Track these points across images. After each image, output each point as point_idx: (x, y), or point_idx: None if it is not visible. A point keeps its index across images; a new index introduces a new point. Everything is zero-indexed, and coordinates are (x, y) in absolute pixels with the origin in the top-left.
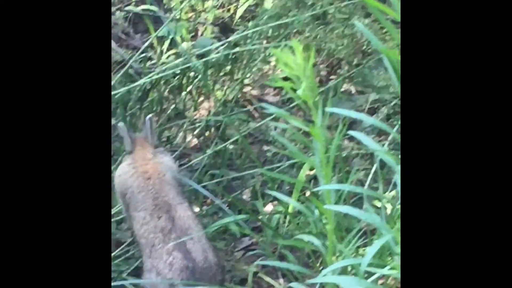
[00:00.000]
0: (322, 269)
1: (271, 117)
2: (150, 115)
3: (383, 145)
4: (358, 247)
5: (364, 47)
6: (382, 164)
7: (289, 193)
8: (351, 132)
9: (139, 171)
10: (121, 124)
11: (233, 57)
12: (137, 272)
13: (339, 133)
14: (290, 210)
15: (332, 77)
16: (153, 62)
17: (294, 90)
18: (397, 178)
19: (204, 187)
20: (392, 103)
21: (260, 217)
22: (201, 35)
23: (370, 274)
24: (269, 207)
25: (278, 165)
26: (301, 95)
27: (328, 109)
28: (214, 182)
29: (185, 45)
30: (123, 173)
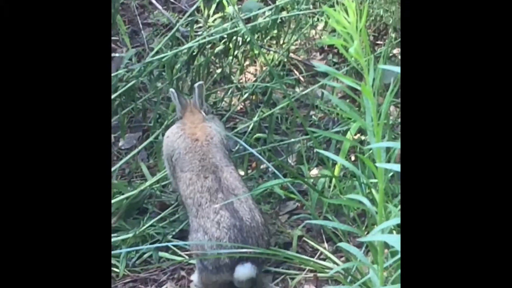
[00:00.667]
0: (367, 233)
1: (319, 84)
2: (200, 82)
3: None
4: None
5: None
6: None
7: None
8: None
9: (187, 133)
10: (172, 90)
11: (280, 21)
12: (182, 235)
13: (391, 91)
14: (336, 173)
15: (378, 42)
16: (199, 25)
17: (346, 50)
18: None
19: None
20: None
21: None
22: None
23: None
24: (314, 172)
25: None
26: (353, 53)
27: (381, 66)
28: (261, 146)
29: (231, 8)
30: (171, 135)
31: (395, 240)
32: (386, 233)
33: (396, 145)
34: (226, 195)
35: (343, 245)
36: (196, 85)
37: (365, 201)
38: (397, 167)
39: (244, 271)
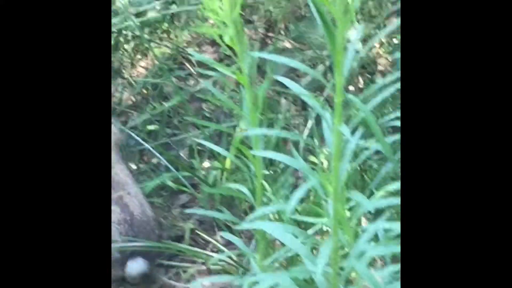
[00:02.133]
0: None
1: (212, 79)
2: None
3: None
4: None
5: (302, 10)
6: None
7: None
8: (278, 77)
9: None
10: None
11: (170, 16)
12: None
13: (267, 79)
14: (227, 166)
15: (270, 34)
16: None
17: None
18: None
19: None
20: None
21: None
22: None
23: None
24: (206, 164)
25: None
26: (227, 41)
27: (252, 53)
28: (152, 141)
29: (121, 1)
30: None
31: (270, 227)
32: (265, 220)
33: (270, 132)
34: (117, 191)
35: (224, 234)
36: None
37: (244, 189)
38: (271, 154)
39: (135, 266)
